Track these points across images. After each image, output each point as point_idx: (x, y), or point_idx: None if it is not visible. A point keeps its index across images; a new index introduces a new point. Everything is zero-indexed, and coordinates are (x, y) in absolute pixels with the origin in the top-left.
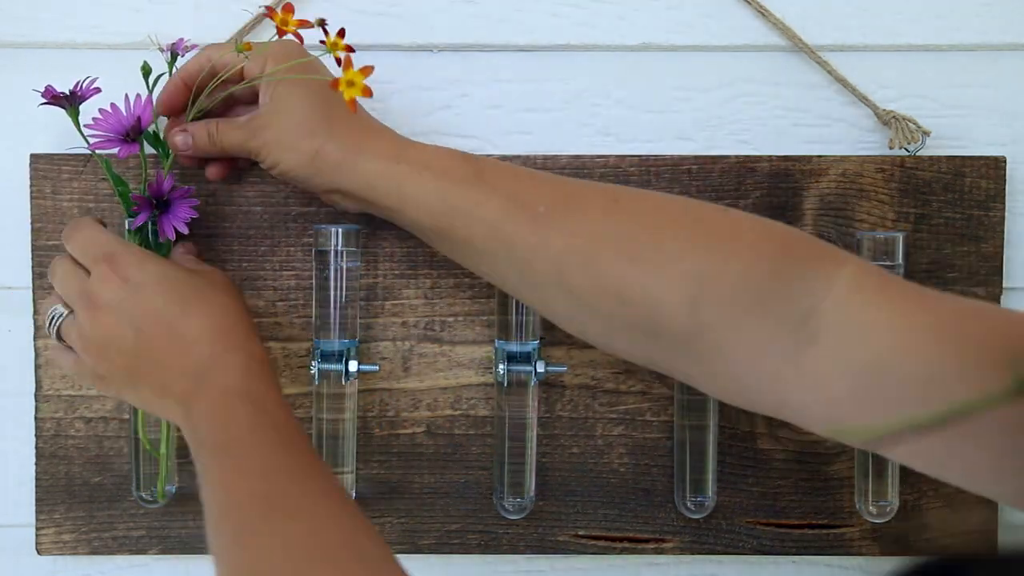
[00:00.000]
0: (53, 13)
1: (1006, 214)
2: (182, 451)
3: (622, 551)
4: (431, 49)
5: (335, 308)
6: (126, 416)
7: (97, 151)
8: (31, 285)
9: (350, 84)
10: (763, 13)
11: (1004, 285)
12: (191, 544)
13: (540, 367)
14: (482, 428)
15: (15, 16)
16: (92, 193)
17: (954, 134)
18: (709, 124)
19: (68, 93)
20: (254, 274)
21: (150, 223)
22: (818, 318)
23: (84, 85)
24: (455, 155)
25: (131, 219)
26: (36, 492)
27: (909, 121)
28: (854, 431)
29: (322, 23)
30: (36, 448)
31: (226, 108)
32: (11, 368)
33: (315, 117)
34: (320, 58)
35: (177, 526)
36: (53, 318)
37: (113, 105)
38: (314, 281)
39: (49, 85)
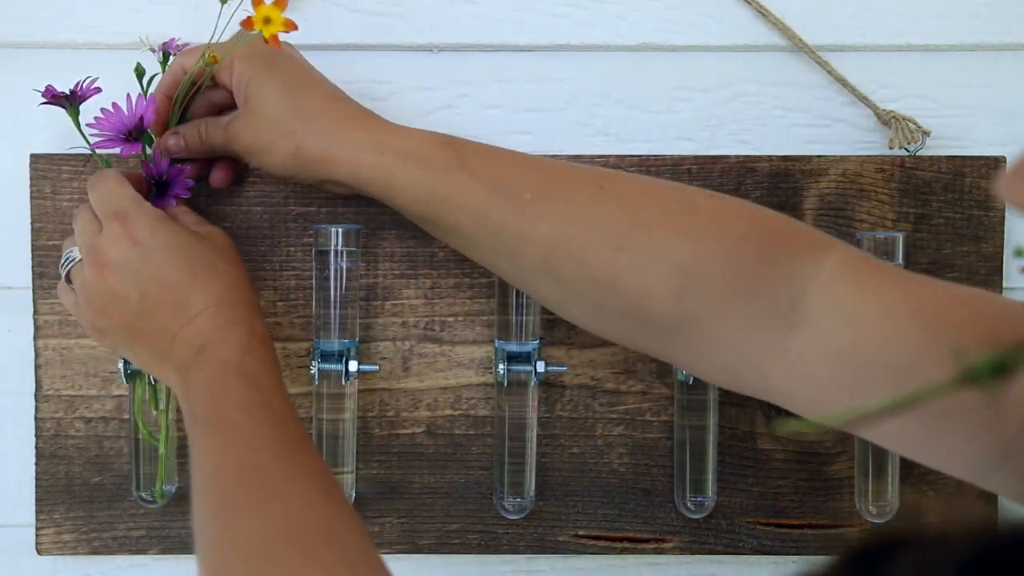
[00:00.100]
0: (53, 13)
1: (1006, 214)
2: (182, 451)
3: (622, 551)
4: (431, 49)
5: (335, 308)
6: (126, 416)
7: (97, 150)
8: (31, 285)
9: (267, 21)
10: (763, 13)
11: (1004, 285)
12: (191, 544)
13: (540, 367)
14: (482, 428)
15: (15, 16)
16: None
17: (954, 134)
18: (709, 124)
19: (68, 93)
20: (254, 274)
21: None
22: (804, 305)
23: (84, 85)
24: (437, 141)
25: None
26: (36, 492)
27: (909, 121)
28: (820, 418)
29: None
30: (36, 448)
31: (215, 111)
32: (11, 368)
33: (289, 115)
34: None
35: (177, 526)
36: (67, 260)
37: (115, 104)
38: (314, 281)
39: (49, 85)
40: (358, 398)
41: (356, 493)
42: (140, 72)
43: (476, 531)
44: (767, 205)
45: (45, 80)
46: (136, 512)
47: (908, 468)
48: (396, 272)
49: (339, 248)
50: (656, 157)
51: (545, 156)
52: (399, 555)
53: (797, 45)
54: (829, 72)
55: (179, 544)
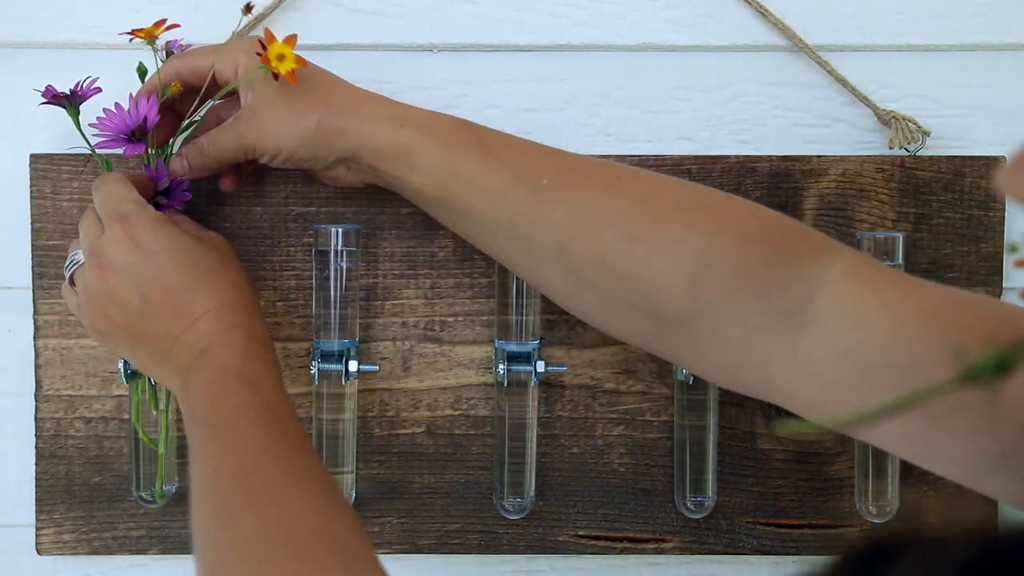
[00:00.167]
0: (53, 13)
1: (1006, 214)
2: (182, 451)
3: (622, 551)
4: (431, 49)
5: (335, 308)
6: (126, 416)
7: (99, 151)
8: (31, 285)
9: (280, 58)
10: (763, 13)
11: (1004, 285)
12: (191, 544)
13: (540, 367)
14: (482, 428)
15: (15, 16)
16: (91, 192)
17: (954, 134)
18: (709, 124)
19: (68, 93)
20: (254, 274)
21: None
22: (812, 306)
23: (84, 85)
24: (457, 122)
25: None
26: (36, 492)
27: (909, 121)
28: (821, 419)
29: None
30: (36, 448)
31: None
32: (11, 368)
33: (304, 94)
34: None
35: (177, 526)
36: (71, 262)
37: (117, 105)
38: (314, 281)
39: (49, 85)
40: (358, 398)
41: (356, 493)
42: (143, 72)
43: (476, 531)
44: (767, 205)
45: (45, 80)
46: (136, 512)
47: (908, 468)
48: (396, 272)
49: (339, 248)
50: (656, 157)
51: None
52: (399, 555)
53: (797, 45)
54: (829, 72)
55: (179, 544)
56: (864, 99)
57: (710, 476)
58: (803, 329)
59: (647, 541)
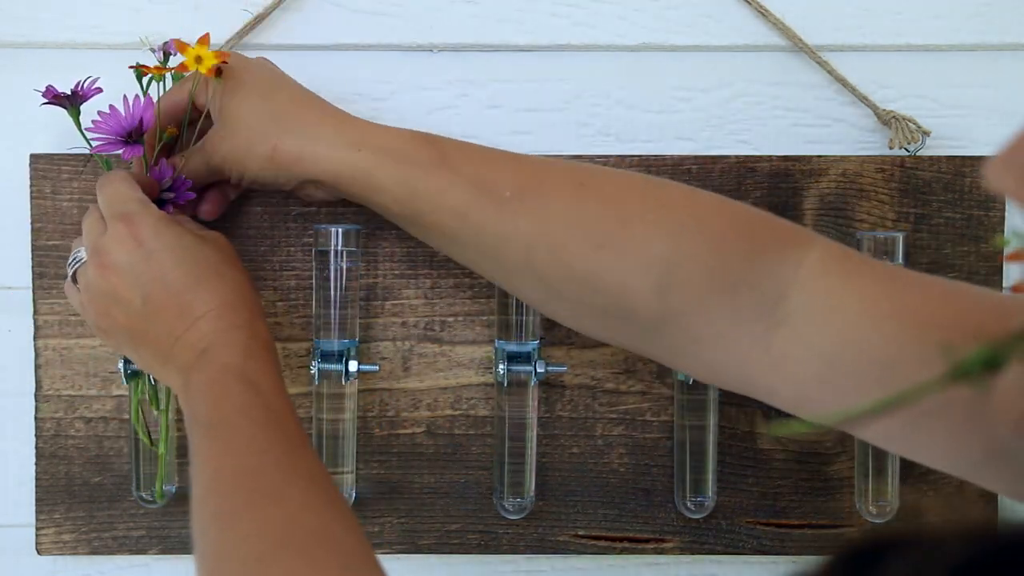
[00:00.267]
0: (53, 13)
1: (1006, 214)
2: (182, 451)
3: (622, 551)
4: (431, 49)
5: (335, 308)
6: (126, 416)
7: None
8: (31, 285)
9: (199, 60)
10: (763, 13)
11: (1004, 285)
12: (191, 544)
13: (540, 367)
14: (482, 428)
15: (15, 16)
16: (92, 193)
17: (954, 134)
18: (709, 124)
19: (69, 93)
20: (254, 274)
21: None
22: (786, 302)
23: (84, 85)
24: (416, 138)
25: None
26: (36, 492)
27: (909, 121)
28: (816, 418)
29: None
30: (36, 448)
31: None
32: (11, 368)
33: (264, 119)
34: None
35: (177, 526)
36: (74, 260)
37: (112, 107)
38: (314, 281)
39: (50, 85)
40: (358, 398)
41: (356, 493)
42: (140, 75)
43: (476, 531)
44: (767, 205)
45: (45, 80)
46: (136, 512)
47: (908, 468)
48: (396, 272)
49: (339, 248)
50: (656, 157)
51: (529, 154)
52: (399, 555)
53: (797, 45)
54: (829, 72)
55: (179, 544)
56: (864, 99)
57: (710, 476)
58: (777, 328)
59: (647, 541)
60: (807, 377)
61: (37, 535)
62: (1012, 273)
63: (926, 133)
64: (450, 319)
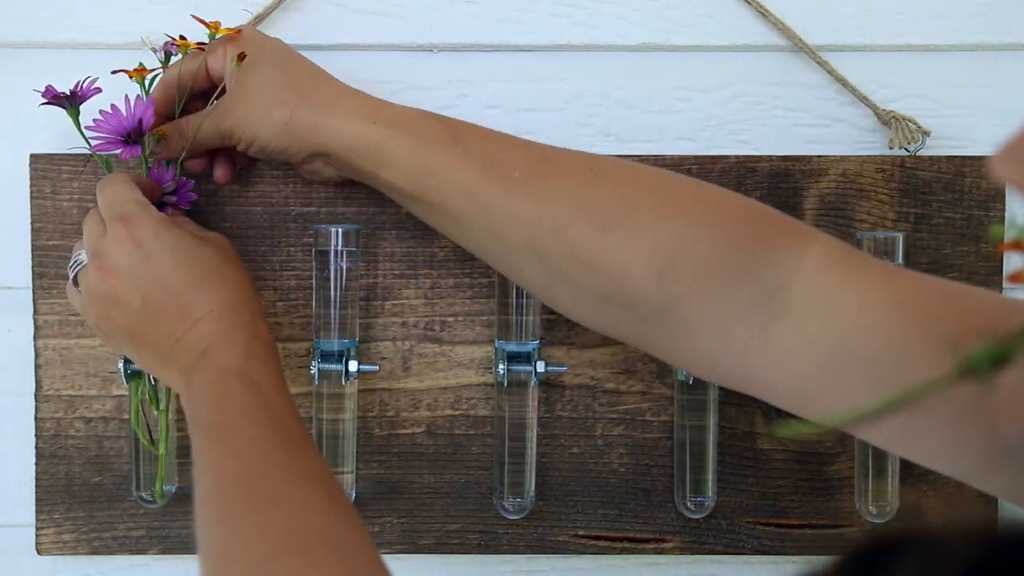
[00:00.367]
0: (53, 13)
1: (1006, 214)
2: (182, 451)
3: (622, 551)
4: (431, 49)
5: (335, 308)
6: (126, 416)
7: (95, 152)
8: (31, 285)
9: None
10: (763, 13)
11: (1004, 285)
12: (191, 544)
13: (540, 367)
14: (482, 428)
15: (15, 16)
16: (92, 193)
17: (954, 134)
18: (709, 124)
19: (68, 93)
20: (254, 274)
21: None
22: (786, 295)
23: (84, 85)
24: (431, 116)
25: None
26: (36, 492)
27: (909, 121)
28: (819, 418)
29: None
30: (36, 448)
31: None
32: (11, 368)
33: (282, 87)
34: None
35: (177, 526)
36: (75, 262)
37: (113, 107)
38: (314, 281)
39: (49, 85)
40: (358, 398)
41: (356, 493)
42: (140, 80)
43: (476, 531)
44: (767, 205)
45: (45, 80)
46: (136, 512)
47: (908, 468)
48: (396, 272)
49: (339, 248)
50: (656, 157)
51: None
52: (399, 555)
53: (797, 45)
54: (829, 72)
55: (179, 544)
56: (864, 99)
57: (710, 476)
58: (777, 318)
59: (647, 541)
60: (806, 371)
61: (37, 535)
62: (1012, 262)
63: (926, 133)
64: (450, 319)
